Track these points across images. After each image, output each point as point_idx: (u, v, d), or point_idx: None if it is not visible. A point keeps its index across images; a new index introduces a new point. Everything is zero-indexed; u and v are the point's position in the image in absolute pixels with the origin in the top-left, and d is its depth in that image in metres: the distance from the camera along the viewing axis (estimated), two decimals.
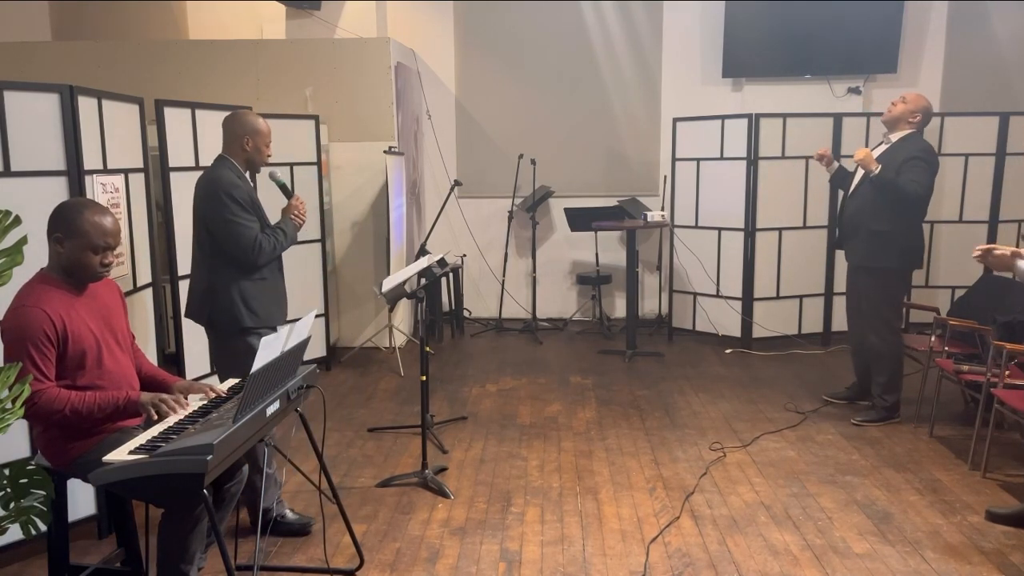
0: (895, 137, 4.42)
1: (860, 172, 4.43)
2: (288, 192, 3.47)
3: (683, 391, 5.18)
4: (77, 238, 2.46)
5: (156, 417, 2.48)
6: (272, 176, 3.43)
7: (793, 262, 6.16)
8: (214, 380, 3.07)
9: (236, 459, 2.48)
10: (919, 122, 4.38)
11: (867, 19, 6.59)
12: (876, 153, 4.46)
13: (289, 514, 3.41)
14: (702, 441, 4.30)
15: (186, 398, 2.73)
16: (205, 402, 2.69)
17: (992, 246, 3.11)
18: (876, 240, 4.35)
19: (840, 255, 5.35)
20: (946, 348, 4.44)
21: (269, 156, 3.38)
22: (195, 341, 4.25)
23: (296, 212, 3.42)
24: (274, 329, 3.30)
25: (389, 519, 3.47)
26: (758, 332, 6.18)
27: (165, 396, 2.53)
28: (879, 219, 4.33)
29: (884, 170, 4.27)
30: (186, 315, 3.41)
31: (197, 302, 3.32)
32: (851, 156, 4.51)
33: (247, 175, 3.36)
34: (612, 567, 3.05)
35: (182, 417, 2.52)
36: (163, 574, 2.47)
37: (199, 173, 4.13)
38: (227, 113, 3.74)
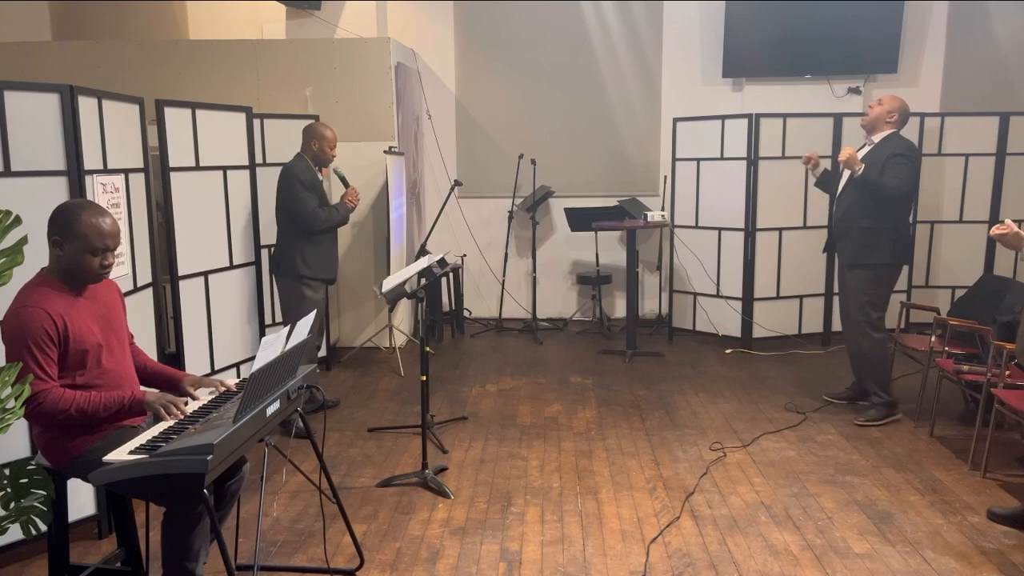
0: (876, 138, 4.50)
1: (847, 173, 4.49)
2: (346, 183, 4.66)
3: (683, 391, 5.18)
4: (75, 241, 2.45)
5: (167, 416, 2.49)
6: (335, 170, 4.74)
7: (793, 262, 6.16)
8: (221, 377, 3.08)
9: (237, 458, 2.48)
10: (897, 121, 4.47)
11: (867, 19, 6.59)
12: (860, 154, 4.51)
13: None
14: (702, 441, 4.30)
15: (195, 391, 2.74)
16: (211, 399, 2.70)
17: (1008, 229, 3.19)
18: (867, 237, 4.43)
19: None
20: (946, 348, 4.44)
21: (334, 156, 4.59)
22: (195, 341, 4.25)
23: (350, 198, 4.61)
24: (325, 281, 4.64)
25: (389, 519, 3.47)
26: (758, 332, 6.18)
27: (171, 397, 2.55)
28: (868, 217, 4.40)
29: (868, 170, 4.35)
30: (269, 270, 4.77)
31: (273, 257, 4.64)
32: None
33: (316, 169, 4.53)
34: (612, 567, 3.05)
35: (183, 418, 2.52)
36: (168, 572, 2.48)
37: (199, 173, 4.24)
38: (227, 113, 3.92)
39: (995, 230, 3.30)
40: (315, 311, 3.05)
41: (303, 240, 4.47)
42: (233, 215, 4.50)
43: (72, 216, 2.46)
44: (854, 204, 4.46)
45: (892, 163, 4.32)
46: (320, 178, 4.56)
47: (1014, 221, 3.31)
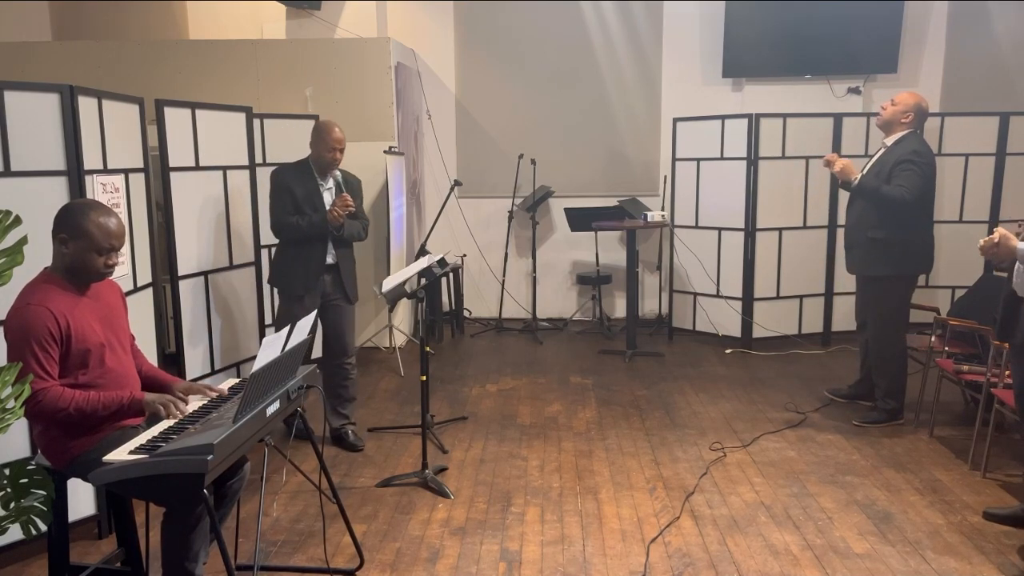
0: (891, 140, 4.36)
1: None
2: (339, 189, 4.17)
3: (683, 391, 5.18)
4: (82, 239, 2.46)
5: (165, 414, 2.49)
6: (334, 175, 4.17)
7: (793, 262, 6.16)
8: (213, 380, 3.08)
9: (236, 458, 2.48)
10: (912, 121, 4.31)
11: (867, 19, 6.58)
12: (873, 160, 4.44)
13: (351, 434, 4.31)
14: (702, 441, 4.30)
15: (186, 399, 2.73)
16: (205, 402, 2.70)
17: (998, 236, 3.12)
18: (873, 248, 4.31)
19: (839, 255, 5.35)
20: (946, 348, 4.44)
21: (332, 159, 4.07)
22: (195, 341, 4.25)
23: (331, 211, 4.03)
24: (291, 295, 4.13)
25: (389, 519, 3.47)
26: (758, 332, 6.18)
27: (170, 396, 2.55)
28: (875, 226, 4.28)
29: (869, 178, 4.26)
30: None
31: None
32: (852, 157, 4.49)
33: (315, 172, 4.12)
34: (612, 567, 3.05)
35: (183, 418, 2.52)
36: (168, 572, 2.48)
37: (199, 173, 4.22)
38: (227, 113, 3.90)
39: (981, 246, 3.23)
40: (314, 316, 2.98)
41: (281, 247, 4.17)
42: (233, 215, 4.49)
43: (80, 215, 2.47)
44: (863, 213, 4.33)
45: (898, 169, 4.17)
46: (319, 181, 4.10)
47: (1014, 221, 3.30)
